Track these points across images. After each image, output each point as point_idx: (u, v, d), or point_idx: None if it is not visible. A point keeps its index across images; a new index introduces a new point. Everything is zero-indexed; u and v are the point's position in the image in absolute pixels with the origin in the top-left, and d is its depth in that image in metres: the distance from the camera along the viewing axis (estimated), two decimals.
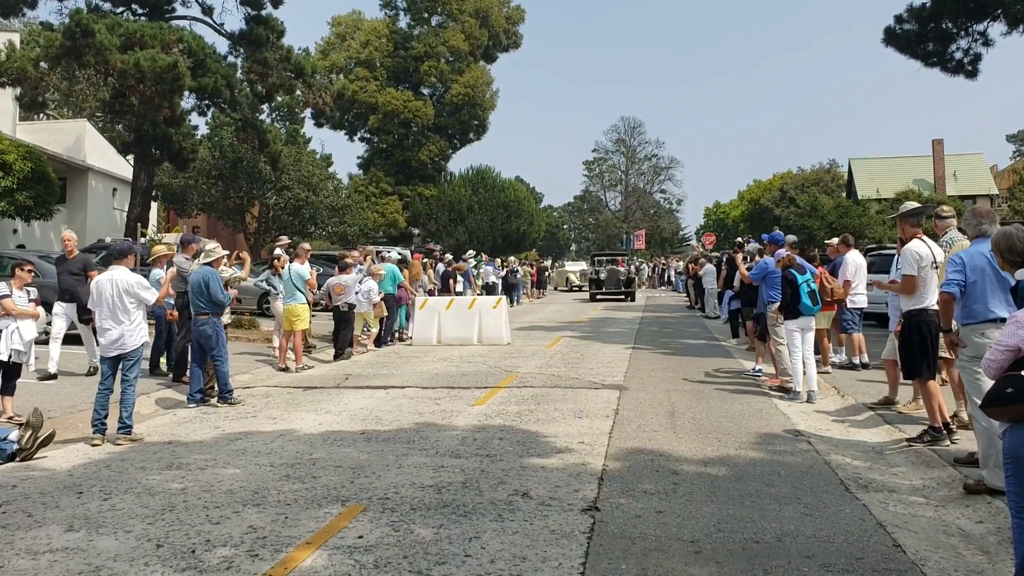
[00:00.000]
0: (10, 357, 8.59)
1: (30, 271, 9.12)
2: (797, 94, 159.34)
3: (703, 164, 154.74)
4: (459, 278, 25.84)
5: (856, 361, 12.21)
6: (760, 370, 12.23)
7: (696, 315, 25.83)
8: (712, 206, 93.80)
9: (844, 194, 55.84)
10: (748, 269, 12.63)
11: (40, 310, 12.80)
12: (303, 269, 13.62)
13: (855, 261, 12.14)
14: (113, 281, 8.33)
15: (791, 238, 13.02)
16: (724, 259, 21.00)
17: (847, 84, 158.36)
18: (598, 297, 34.79)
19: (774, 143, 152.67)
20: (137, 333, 8.43)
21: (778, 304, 10.53)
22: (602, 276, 35.34)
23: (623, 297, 34.76)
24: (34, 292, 9.36)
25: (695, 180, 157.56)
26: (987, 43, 19.04)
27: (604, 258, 40.09)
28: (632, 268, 38.94)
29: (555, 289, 48.28)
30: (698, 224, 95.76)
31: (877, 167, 55.45)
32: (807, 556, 4.76)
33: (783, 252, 10.67)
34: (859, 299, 12.16)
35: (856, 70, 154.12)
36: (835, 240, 13.17)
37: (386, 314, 16.72)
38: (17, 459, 7.21)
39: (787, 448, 7.59)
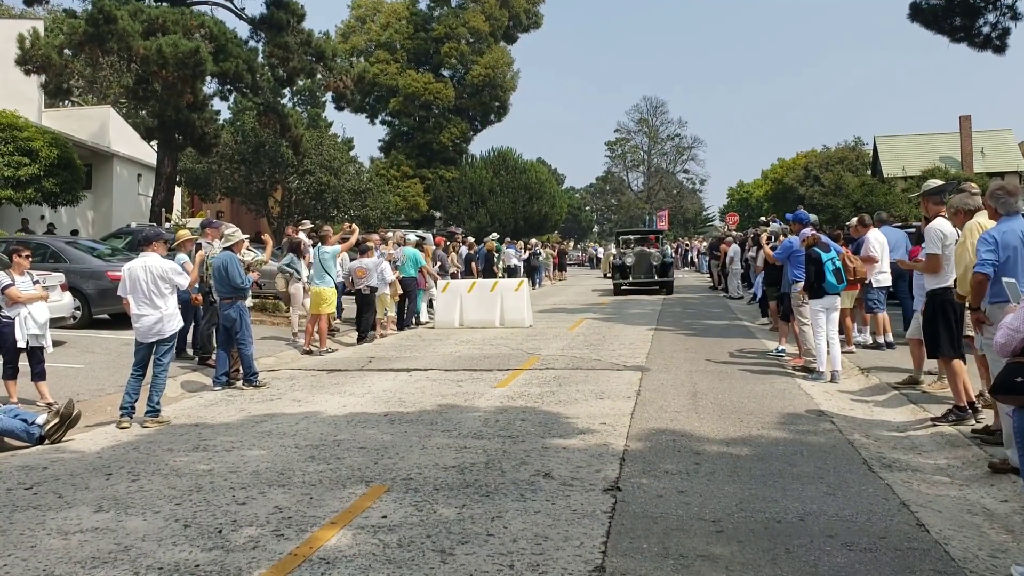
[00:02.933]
0: (28, 343, 8.71)
1: (27, 256, 9.11)
2: (821, 72, 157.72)
3: (726, 144, 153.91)
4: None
5: (880, 340, 12.12)
6: (783, 350, 12.18)
7: (719, 296, 25.71)
8: (736, 186, 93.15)
9: (869, 172, 55.24)
10: (772, 249, 12.55)
11: (67, 295, 13.03)
12: (331, 248, 13.69)
13: (877, 239, 12.02)
14: (147, 268, 8.42)
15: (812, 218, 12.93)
16: (751, 238, 20.85)
17: (872, 61, 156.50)
18: (624, 289, 27.06)
19: (798, 122, 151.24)
20: (174, 318, 8.62)
21: (803, 283, 10.46)
22: (628, 261, 27.18)
23: (658, 288, 27.00)
24: (36, 275, 9.41)
25: (718, 160, 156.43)
26: (1015, 17, 18.70)
27: (631, 237, 30.85)
28: (666, 248, 29.75)
29: (605, 276, 39.10)
30: (721, 204, 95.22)
31: (903, 144, 54.80)
32: (829, 535, 4.76)
33: (807, 231, 10.59)
34: (884, 278, 12.05)
35: (881, 46, 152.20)
36: (855, 220, 13.07)
37: (401, 292, 16.70)
38: (45, 442, 7.35)
39: (810, 428, 7.56)
